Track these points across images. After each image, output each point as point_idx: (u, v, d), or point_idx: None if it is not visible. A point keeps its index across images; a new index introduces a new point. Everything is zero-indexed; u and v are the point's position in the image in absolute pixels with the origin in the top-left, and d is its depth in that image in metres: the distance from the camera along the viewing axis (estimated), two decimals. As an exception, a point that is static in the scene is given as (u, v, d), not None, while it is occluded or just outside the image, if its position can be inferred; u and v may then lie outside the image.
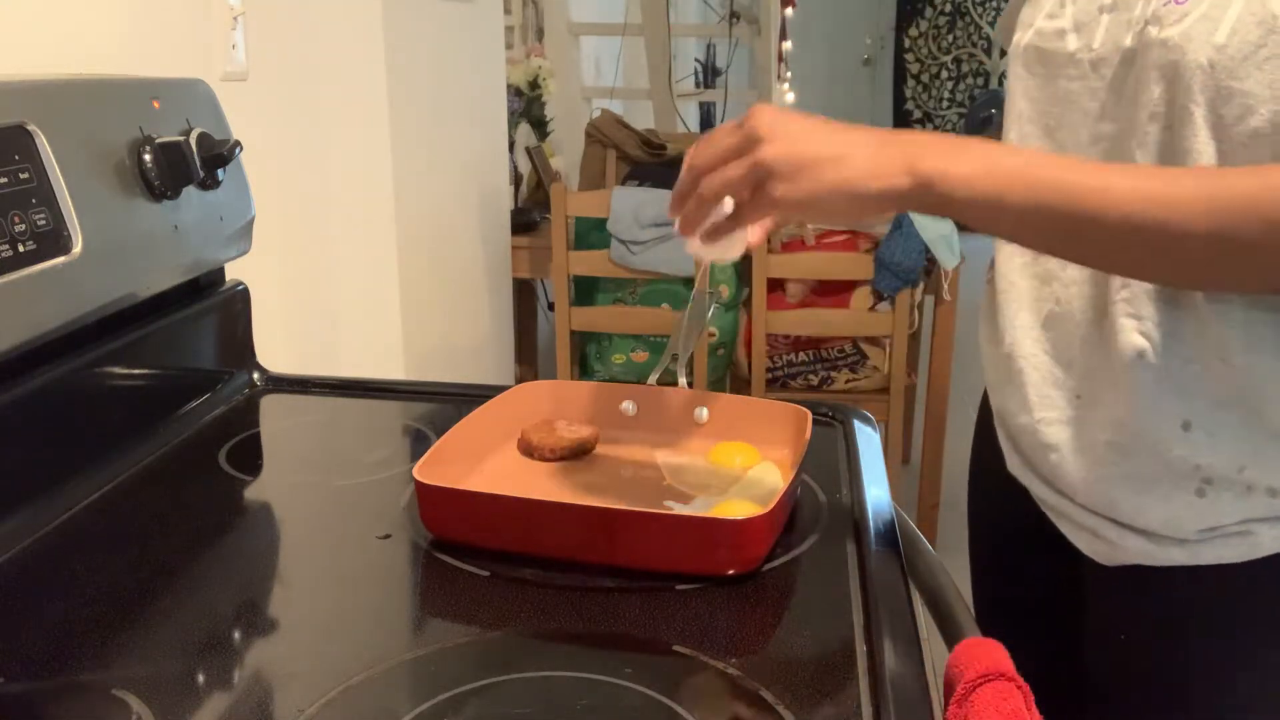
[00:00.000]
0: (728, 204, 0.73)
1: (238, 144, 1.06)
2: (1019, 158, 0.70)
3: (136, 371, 1.00)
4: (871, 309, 2.50)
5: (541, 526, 0.79)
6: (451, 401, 1.11)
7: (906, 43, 7.39)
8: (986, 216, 0.68)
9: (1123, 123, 0.74)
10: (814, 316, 2.53)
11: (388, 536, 0.84)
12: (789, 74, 5.09)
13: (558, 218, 2.52)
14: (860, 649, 0.68)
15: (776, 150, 0.68)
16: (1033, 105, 0.82)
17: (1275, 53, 0.64)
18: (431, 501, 0.81)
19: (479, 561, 0.79)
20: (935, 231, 2.36)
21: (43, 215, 0.84)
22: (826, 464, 0.96)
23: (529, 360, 3.31)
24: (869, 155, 0.68)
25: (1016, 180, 0.67)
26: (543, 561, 0.78)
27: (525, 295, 3.19)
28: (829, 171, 0.68)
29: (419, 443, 1.04)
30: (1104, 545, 0.80)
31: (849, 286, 2.53)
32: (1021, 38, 0.83)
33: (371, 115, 1.71)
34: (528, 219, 2.80)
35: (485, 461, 0.93)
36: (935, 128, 7.45)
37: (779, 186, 0.69)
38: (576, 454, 0.95)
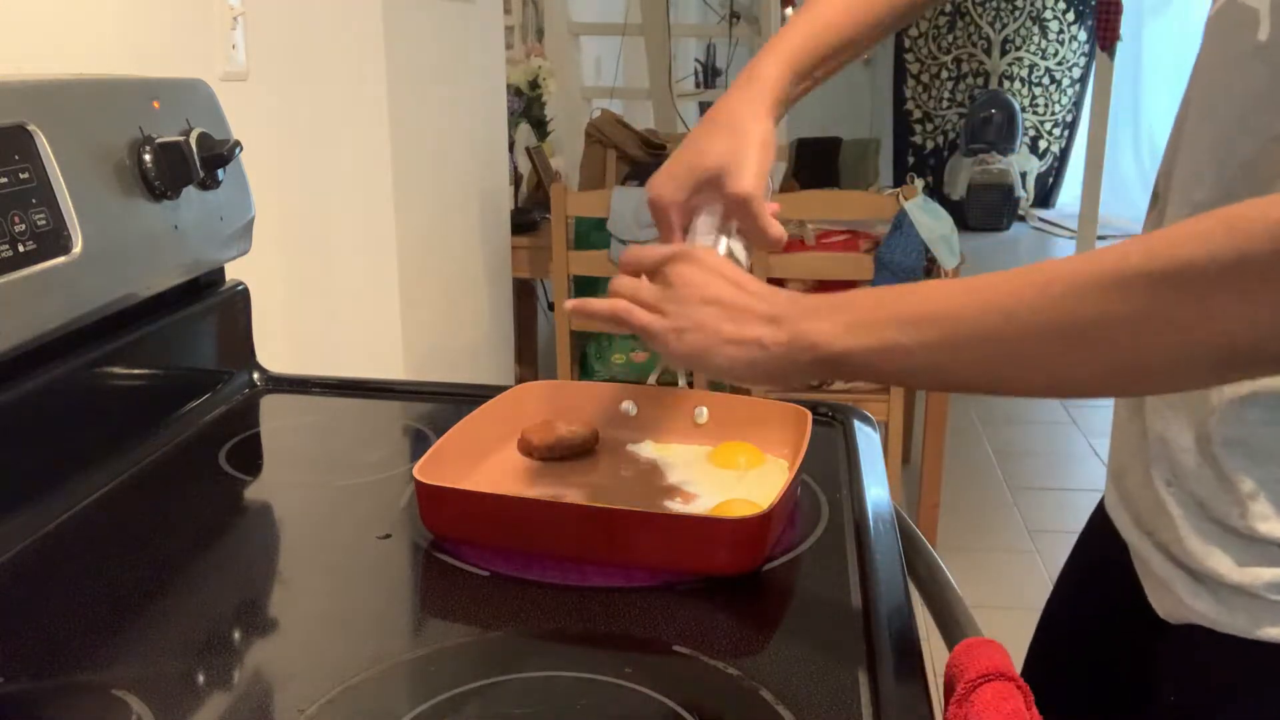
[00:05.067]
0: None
1: (238, 144, 1.06)
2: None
3: (136, 371, 1.00)
4: (871, 309, 2.50)
5: (541, 526, 0.79)
6: (451, 401, 1.11)
7: (906, 43, 7.39)
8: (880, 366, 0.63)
9: None
10: (814, 316, 2.52)
11: (388, 536, 0.84)
12: (789, 74, 5.08)
13: (558, 218, 2.52)
14: (860, 649, 0.68)
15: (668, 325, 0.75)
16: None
17: None
18: (431, 501, 0.81)
19: (479, 561, 0.79)
20: (935, 231, 2.36)
21: (43, 215, 0.84)
22: (826, 464, 0.96)
23: (529, 360, 3.31)
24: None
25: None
26: (543, 561, 0.78)
27: (525, 295, 3.19)
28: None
29: (419, 443, 1.04)
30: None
31: (849, 286, 2.53)
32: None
33: (371, 115, 1.71)
34: (528, 219, 2.80)
35: (485, 461, 0.93)
36: (935, 128, 7.46)
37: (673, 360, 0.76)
38: (576, 454, 0.95)
